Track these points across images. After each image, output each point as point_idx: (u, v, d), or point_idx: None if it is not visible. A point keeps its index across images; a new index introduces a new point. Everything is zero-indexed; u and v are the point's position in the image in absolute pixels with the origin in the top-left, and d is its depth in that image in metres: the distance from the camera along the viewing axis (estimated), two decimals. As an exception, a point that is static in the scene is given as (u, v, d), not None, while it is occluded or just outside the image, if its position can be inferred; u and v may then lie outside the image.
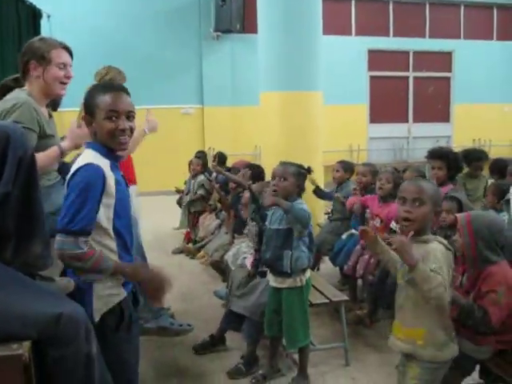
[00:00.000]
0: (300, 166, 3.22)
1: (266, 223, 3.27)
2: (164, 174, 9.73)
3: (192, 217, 6.42)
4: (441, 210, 2.56)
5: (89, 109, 2.06)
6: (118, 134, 2.04)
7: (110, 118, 2.02)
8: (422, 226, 2.33)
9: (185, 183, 6.99)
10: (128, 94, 2.13)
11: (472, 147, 5.71)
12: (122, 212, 2.08)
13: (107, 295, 1.97)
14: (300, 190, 3.20)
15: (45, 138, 2.55)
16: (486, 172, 5.48)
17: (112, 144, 2.06)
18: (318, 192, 5.22)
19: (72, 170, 1.98)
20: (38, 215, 1.66)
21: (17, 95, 2.53)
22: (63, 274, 2.00)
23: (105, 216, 1.96)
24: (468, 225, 2.66)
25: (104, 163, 2.02)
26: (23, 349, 1.39)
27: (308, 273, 3.20)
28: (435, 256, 2.23)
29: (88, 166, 1.94)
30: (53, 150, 2.53)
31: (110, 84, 2.13)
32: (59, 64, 2.62)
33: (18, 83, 2.66)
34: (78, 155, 2.09)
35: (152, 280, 2.09)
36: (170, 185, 8.32)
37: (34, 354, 1.44)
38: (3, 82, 2.70)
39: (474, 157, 5.18)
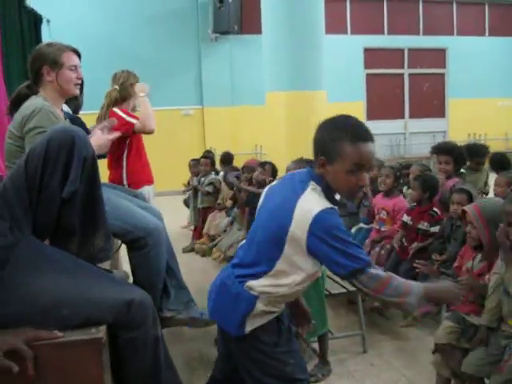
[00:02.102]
0: (310, 162, 3.33)
1: None
2: (166, 176, 9.84)
3: (200, 213, 6.56)
4: None
5: (328, 151, 1.81)
6: (356, 189, 1.87)
7: (353, 171, 1.80)
8: None
9: (188, 184, 7.11)
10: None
11: (474, 142, 5.84)
12: None
13: (264, 312, 1.89)
14: None
15: None
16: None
17: (344, 194, 1.89)
18: None
19: (306, 207, 1.77)
20: (100, 211, 1.79)
21: (33, 102, 2.61)
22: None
23: None
24: (479, 214, 2.80)
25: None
26: (101, 332, 1.52)
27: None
28: None
29: (332, 212, 1.78)
30: None
31: (360, 130, 1.85)
32: (71, 67, 2.71)
33: (31, 90, 2.73)
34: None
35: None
36: (171, 186, 8.45)
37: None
38: (18, 90, 2.77)
39: (477, 151, 5.32)
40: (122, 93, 3.97)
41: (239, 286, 1.86)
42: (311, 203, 1.76)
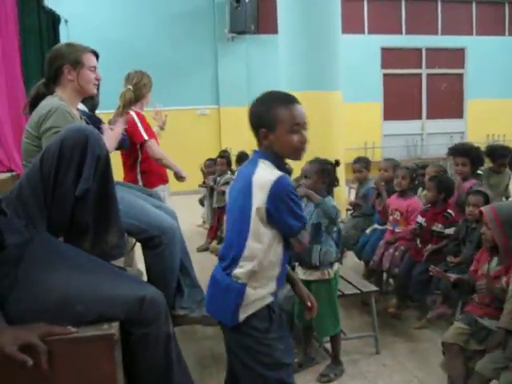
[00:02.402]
0: (324, 162, 3.33)
1: None
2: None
3: (216, 213, 6.59)
4: None
5: (266, 122, 2.03)
6: (301, 146, 2.06)
7: (294, 131, 2.02)
8: None
9: (203, 183, 7.13)
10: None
11: (497, 144, 5.78)
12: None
13: (256, 299, 2.01)
14: (328, 186, 3.33)
15: None
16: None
17: (292, 157, 2.09)
18: None
19: (262, 180, 1.99)
20: (113, 208, 1.82)
21: (50, 101, 2.64)
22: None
23: None
24: (494, 216, 2.78)
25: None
26: (113, 329, 1.54)
27: (336, 266, 3.34)
28: None
29: (285, 177, 1.99)
30: None
31: (287, 96, 2.12)
32: (90, 67, 2.76)
33: (48, 89, 2.76)
34: None
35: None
36: (187, 185, 8.45)
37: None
38: (37, 88, 2.80)
39: (500, 153, 5.24)
40: (136, 93, 4.03)
41: (227, 278, 2.00)
42: (265, 175, 1.98)
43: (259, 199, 1.96)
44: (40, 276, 1.56)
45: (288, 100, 2.06)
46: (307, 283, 3.32)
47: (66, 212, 1.68)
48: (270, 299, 2.04)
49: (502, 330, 2.57)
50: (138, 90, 4.04)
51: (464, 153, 4.20)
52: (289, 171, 2.13)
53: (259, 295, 2.01)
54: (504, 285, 2.72)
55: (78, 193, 1.66)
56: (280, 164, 2.07)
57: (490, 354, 2.56)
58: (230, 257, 2.01)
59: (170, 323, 1.76)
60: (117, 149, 3.05)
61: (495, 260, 2.85)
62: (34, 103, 2.72)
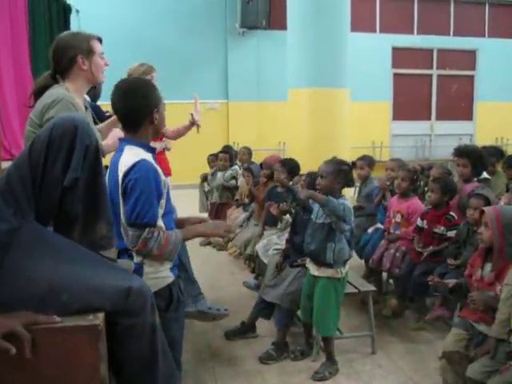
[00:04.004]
0: (340, 163, 3.33)
1: (312, 217, 3.39)
2: (189, 169, 9.89)
3: (212, 207, 6.59)
4: None
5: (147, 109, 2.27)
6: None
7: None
8: None
9: (205, 179, 7.10)
10: None
11: (488, 145, 5.73)
12: (168, 206, 2.28)
13: (156, 277, 2.20)
14: (342, 186, 3.32)
15: None
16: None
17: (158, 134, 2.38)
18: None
19: (122, 167, 2.15)
20: (102, 199, 1.82)
21: (55, 91, 2.61)
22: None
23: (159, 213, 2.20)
24: (496, 216, 2.76)
25: (149, 157, 2.22)
26: (98, 319, 1.54)
27: (347, 266, 3.33)
28: None
29: (144, 162, 2.14)
30: None
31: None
32: (100, 54, 2.74)
33: (55, 79, 2.72)
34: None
35: (207, 229, 2.46)
36: (194, 179, 8.47)
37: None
38: (44, 79, 2.78)
39: (488, 153, 5.18)
40: None
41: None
42: (128, 159, 2.15)
43: (120, 182, 2.15)
44: (27, 264, 1.56)
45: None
46: (316, 279, 3.33)
47: (54, 201, 1.68)
48: (168, 274, 2.25)
49: (492, 338, 2.56)
50: None
51: (465, 154, 4.17)
52: (154, 151, 2.33)
53: (157, 272, 2.20)
54: (497, 292, 2.70)
55: (67, 182, 1.66)
56: (148, 149, 2.28)
57: (480, 359, 2.55)
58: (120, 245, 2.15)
59: (156, 314, 1.77)
60: None
61: (488, 265, 2.83)
62: (39, 93, 2.70)
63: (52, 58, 2.69)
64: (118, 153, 2.25)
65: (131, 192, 2.09)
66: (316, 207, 3.37)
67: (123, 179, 2.12)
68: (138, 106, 2.23)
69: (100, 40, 2.80)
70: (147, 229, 2.11)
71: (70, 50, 2.65)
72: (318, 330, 3.43)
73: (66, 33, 2.78)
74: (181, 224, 2.49)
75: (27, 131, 2.62)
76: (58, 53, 2.67)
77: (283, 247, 4.03)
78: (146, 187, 2.10)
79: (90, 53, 2.68)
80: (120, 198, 2.15)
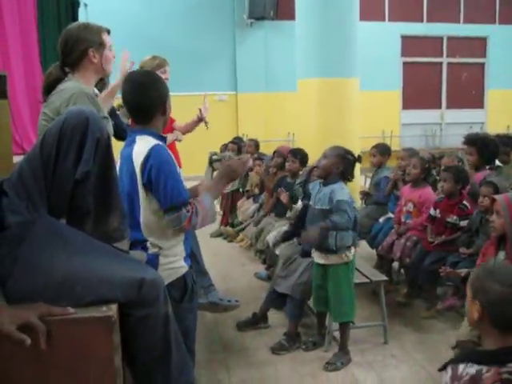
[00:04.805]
0: (348, 152, 3.32)
1: (311, 202, 3.39)
2: (199, 160, 9.91)
3: (224, 197, 6.58)
4: None
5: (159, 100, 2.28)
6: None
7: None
8: None
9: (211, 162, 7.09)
10: None
11: (502, 133, 5.68)
12: None
13: (171, 268, 2.21)
14: (343, 174, 3.30)
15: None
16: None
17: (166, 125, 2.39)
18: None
19: (139, 157, 2.15)
20: (114, 191, 1.82)
21: (71, 85, 2.60)
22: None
23: None
24: (507, 204, 2.75)
25: (162, 144, 2.25)
26: (112, 311, 1.55)
27: (353, 250, 3.32)
28: None
29: (158, 147, 2.15)
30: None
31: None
32: (110, 47, 2.75)
33: (64, 72, 2.71)
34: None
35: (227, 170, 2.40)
36: (203, 171, 8.47)
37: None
38: (53, 73, 2.73)
39: (501, 142, 5.15)
40: None
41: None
42: (142, 147, 2.15)
43: (138, 170, 2.14)
44: (41, 257, 1.57)
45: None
46: (323, 267, 3.33)
47: (66, 194, 1.68)
48: (183, 265, 2.27)
49: None
50: None
51: (471, 142, 4.15)
52: (164, 140, 2.32)
53: (172, 263, 2.22)
54: None
55: (79, 175, 1.66)
56: (159, 138, 2.25)
57: None
58: (137, 234, 2.17)
59: (169, 305, 1.77)
60: (118, 139, 3.00)
61: (502, 254, 2.81)
62: (50, 87, 2.68)
63: (62, 51, 2.68)
64: (128, 145, 2.25)
65: (158, 178, 2.09)
66: (313, 191, 3.36)
67: (143, 168, 2.11)
68: (150, 99, 2.24)
69: (109, 32, 2.80)
70: (184, 207, 2.10)
71: (81, 42, 2.64)
72: (335, 317, 3.41)
73: (75, 24, 2.75)
74: (194, 193, 2.45)
75: (41, 126, 2.60)
76: (69, 45, 2.65)
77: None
78: (169, 169, 2.11)
79: (101, 46, 2.68)
80: (140, 189, 2.15)
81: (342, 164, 3.27)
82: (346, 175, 3.32)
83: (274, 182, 5.26)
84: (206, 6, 10.93)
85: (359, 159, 3.37)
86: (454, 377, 1.61)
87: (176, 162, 2.31)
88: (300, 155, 4.88)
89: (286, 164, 4.97)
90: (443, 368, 1.68)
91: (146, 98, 2.24)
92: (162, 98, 2.27)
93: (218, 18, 11.07)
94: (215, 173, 5.87)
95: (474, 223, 3.76)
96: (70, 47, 2.65)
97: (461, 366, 1.61)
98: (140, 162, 2.12)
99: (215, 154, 6.85)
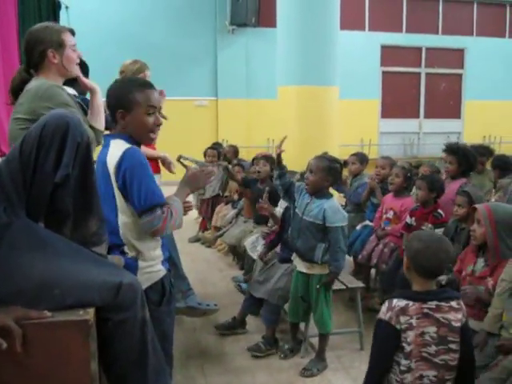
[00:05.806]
0: (332, 161, 3.32)
1: (297, 211, 3.37)
2: (176, 165, 9.86)
3: (204, 203, 6.58)
4: None
5: (124, 103, 2.20)
6: (155, 128, 2.26)
7: (149, 113, 2.22)
8: None
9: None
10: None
11: (477, 144, 5.81)
12: None
13: (149, 272, 2.20)
14: (331, 184, 3.33)
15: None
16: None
17: (146, 138, 2.28)
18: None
19: (112, 159, 2.13)
20: (94, 195, 1.82)
21: (39, 82, 2.58)
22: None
23: None
24: (488, 214, 2.80)
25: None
26: (89, 314, 1.55)
27: None
28: None
29: (132, 149, 2.13)
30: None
31: (144, 80, 2.38)
32: (72, 47, 2.70)
33: (30, 74, 2.69)
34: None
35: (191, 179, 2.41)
36: (180, 176, 8.47)
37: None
38: (20, 75, 2.72)
39: (477, 152, 5.25)
40: None
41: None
42: (116, 151, 2.11)
43: (112, 174, 2.11)
44: (18, 259, 1.57)
45: (144, 84, 2.27)
46: (307, 276, 3.35)
47: (45, 197, 1.68)
48: (160, 268, 2.25)
49: (483, 332, 2.58)
50: None
51: (451, 151, 4.23)
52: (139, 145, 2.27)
53: (150, 266, 2.20)
54: (490, 286, 2.73)
55: (58, 179, 1.66)
56: (133, 143, 2.20)
57: None
58: (113, 238, 2.13)
59: (146, 309, 1.78)
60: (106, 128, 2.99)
61: (481, 261, 2.86)
62: (18, 90, 2.66)
63: (25, 52, 2.67)
64: (104, 148, 2.24)
65: (132, 181, 2.06)
66: (304, 201, 3.35)
67: (117, 171, 2.09)
68: (111, 105, 2.25)
69: (72, 32, 2.77)
70: (160, 208, 2.07)
71: (40, 43, 2.62)
72: (320, 328, 3.42)
73: (37, 26, 2.73)
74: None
75: (13, 130, 2.55)
76: (29, 46, 2.65)
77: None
78: (143, 172, 2.09)
79: (60, 46, 2.64)
80: (116, 192, 2.12)
81: (330, 176, 3.27)
82: (335, 183, 3.37)
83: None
84: (188, 12, 10.94)
85: (345, 164, 3.39)
86: (389, 308, 2.14)
87: (153, 169, 2.32)
88: (271, 160, 4.93)
89: (256, 166, 5.03)
90: (382, 302, 2.24)
91: (109, 104, 2.27)
92: (118, 99, 2.21)
93: (200, 23, 11.08)
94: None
95: (450, 232, 3.81)
96: (31, 48, 2.64)
97: (394, 300, 2.13)
98: (114, 165, 2.10)
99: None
